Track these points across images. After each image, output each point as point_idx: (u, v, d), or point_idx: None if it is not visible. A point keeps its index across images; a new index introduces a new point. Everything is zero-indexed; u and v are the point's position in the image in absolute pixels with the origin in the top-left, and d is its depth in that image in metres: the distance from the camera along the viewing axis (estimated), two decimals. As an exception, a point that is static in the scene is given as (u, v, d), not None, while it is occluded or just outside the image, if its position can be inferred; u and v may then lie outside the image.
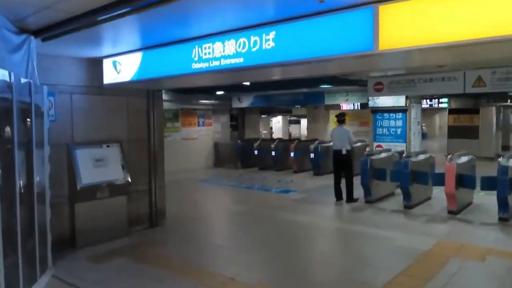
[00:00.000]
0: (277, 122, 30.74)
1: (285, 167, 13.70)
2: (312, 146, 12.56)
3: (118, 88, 6.13)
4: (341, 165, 8.47)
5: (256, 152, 13.97)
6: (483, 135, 16.38)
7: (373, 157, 8.47)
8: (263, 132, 24.59)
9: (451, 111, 16.99)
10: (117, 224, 6.08)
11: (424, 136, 18.66)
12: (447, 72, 7.64)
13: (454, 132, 16.94)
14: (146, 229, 6.61)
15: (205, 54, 4.30)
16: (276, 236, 6.22)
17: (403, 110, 10.52)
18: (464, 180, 7.26)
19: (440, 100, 16.76)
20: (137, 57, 5.16)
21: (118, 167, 6.06)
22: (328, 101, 13.26)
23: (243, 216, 7.58)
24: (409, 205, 7.88)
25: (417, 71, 7.94)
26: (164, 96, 13.69)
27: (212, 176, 12.78)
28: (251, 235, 6.31)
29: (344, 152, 8.31)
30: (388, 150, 9.49)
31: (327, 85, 11.45)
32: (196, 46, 4.39)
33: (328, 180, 11.72)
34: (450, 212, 7.36)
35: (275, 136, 27.40)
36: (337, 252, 5.59)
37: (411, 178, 7.72)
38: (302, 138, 21.47)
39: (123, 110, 6.32)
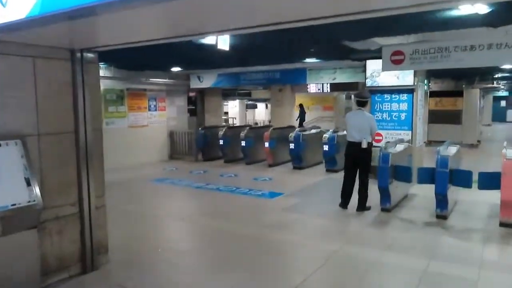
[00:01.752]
0: (234, 107, 28.30)
1: (257, 159, 11.45)
2: (292, 135, 10.37)
3: (14, 42, 3.48)
4: (357, 162, 6.36)
5: (221, 142, 11.54)
6: (466, 120, 15.11)
7: (391, 151, 6.42)
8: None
9: (432, 94, 15.53)
10: (21, 277, 3.49)
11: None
12: (498, 37, 5.66)
13: (435, 117, 15.53)
14: (76, 277, 4.06)
15: None
16: (286, 285, 3.94)
17: (409, 90, 8.58)
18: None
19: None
20: (41, -29, 2.56)
21: (19, 181, 3.44)
22: (311, 79, 11.07)
23: (224, 243, 5.18)
24: (443, 214, 5.95)
25: (455, 36, 5.91)
26: (105, 73, 10.83)
27: (169, 174, 10.20)
28: (246, 284, 3.97)
29: (364, 145, 6.19)
30: (401, 141, 7.50)
31: (315, 58, 9.22)
32: None
33: (313, 175, 9.66)
34: (503, 224, 5.50)
35: (236, 123, 25.11)
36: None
37: (450, 179, 5.78)
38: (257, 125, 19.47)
39: (28, 83, 3.67)
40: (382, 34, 6.23)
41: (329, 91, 16.29)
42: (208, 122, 14.43)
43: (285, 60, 9.68)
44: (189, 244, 5.39)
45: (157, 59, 9.28)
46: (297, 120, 19.56)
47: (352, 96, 23.19)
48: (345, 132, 10.43)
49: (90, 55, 4.10)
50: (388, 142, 6.85)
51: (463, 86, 16.16)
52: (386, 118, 8.86)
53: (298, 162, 10.48)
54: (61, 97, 3.96)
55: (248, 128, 11.66)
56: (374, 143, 6.66)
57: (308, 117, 25.00)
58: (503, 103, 35.15)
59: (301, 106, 21.34)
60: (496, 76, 16.24)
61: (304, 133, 10.56)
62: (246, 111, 29.56)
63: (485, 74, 15.43)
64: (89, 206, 4.17)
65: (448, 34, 6.12)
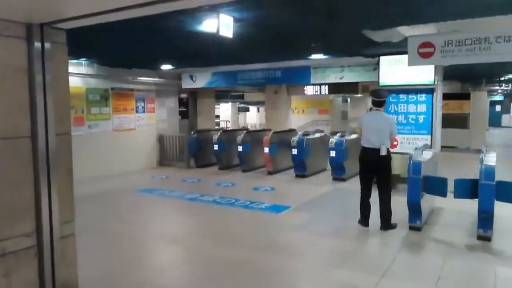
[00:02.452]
0: (225, 110, 27.32)
1: (255, 166, 10.48)
2: (294, 139, 9.42)
3: None
4: (375, 171, 5.42)
5: (216, 147, 10.51)
6: (474, 125, 14.33)
7: (421, 159, 5.47)
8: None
9: (438, 97, 14.76)
10: None
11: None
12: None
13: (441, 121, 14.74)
14: (32, 333, 3.00)
15: None
16: None
17: (428, 89, 7.68)
18: None
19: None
20: None
21: None
22: (316, 79, 10.06)
23: (225, 276, 4.16)
24: (487, 236, 5.01)
25: (489, 25, 5.00)
26: (87, 70, 9.72)
27: (158, 183, 9.13)
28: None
29: (383, 152, 5.24)
30: (426, 147, 6.59)
31: (322, 54, 8.24)
32: None
33: (319, 185, 8.68)
34: None
35: (229, 126, 24.09)
36: None
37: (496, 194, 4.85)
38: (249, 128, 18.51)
39: (-39, 67, 2.61)
40: (412, 21, 5.30)
41: (327, 93, 15.43)
42: (201, 125, 13.39)
43: (290, 56, 8.69)
44: (184, 278, 4.33)
45: (146, 53, 8.22)
46: None
47: (348, 99, 22.23)
48: (353, 136, 9.60)
49: (54, 32, 3.05)
50: (416, 148, 5.90)
51: (469, 88, 15.44)
52: (402, 121, 7.92)
53: (301, 169, 9.50)
54: (12, 89, 2.89)
55: (245, 132, 10.64)
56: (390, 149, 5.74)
57: (301, 120, 24.11)
58: (498, 107, 34.73)
59: None
60: (503, 78, 15.56)
61: (307, 137, 9.60)
62: (238, 114, 28.61)
63: (492, 76, 14.73)
64: (51, 236, 3.09)
65: (481, 23, 5.19)
